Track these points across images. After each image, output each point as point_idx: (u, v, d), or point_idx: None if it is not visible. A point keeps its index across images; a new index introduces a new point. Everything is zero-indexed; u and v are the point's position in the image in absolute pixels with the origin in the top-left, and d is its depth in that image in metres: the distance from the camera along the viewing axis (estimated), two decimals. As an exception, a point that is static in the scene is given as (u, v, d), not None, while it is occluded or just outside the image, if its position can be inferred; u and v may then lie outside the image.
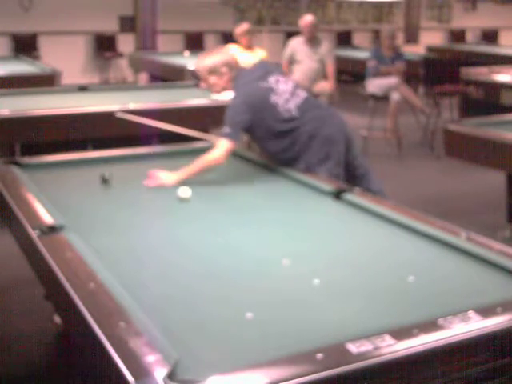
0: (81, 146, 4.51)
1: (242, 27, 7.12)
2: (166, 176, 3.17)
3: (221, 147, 3.26)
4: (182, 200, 2.91)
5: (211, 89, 3.59)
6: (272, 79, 3.43)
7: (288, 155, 3.39)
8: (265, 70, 3.51)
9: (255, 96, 3.37)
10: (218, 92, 3.59)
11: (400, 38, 11.87)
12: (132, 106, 4.90)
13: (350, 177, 3.47)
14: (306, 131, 3.38)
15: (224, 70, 3.41)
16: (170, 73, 8.46)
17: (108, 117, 4.80)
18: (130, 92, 6.11)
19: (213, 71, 3.43)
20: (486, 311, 1.74)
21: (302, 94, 3.46)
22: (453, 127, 4.57)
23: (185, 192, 2.93)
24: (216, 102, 5.37)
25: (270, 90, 3.38)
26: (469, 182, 6.14)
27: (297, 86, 3.50)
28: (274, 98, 3.37)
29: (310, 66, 7.11)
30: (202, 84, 3.54)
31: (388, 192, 3.70)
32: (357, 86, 9.03)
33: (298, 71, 7.15)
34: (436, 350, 1.59)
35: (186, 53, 10.15)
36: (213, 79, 3.45)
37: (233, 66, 3.44)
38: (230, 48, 3.44)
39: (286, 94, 3.41)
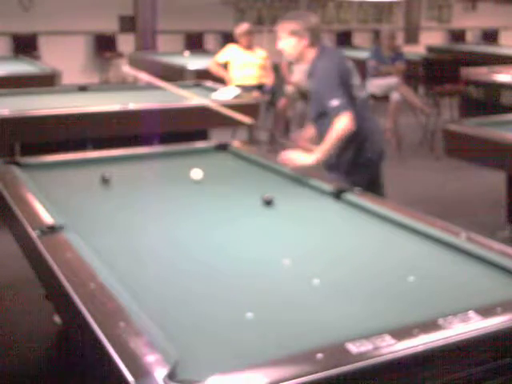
0: (81, 145, 4.51)
1: (242, 27, 7.12)
2: (304, 157, 3.22)
3: (342, 120, 3.24)
4: (195, 182, 3.12)
5: (286, 52, 3.47)
6: (350, 64, 3.46)
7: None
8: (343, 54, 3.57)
9: (344, 67, 3.39)
10: (291, 58, 3.53)
11: (400, 38, 11.87)
12: (132, 105, 4.90)
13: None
14: (366, 127, 3.41)
15: (306, 34, 3.35)
16: (170, 73, 8.46)
17: (108, 117, 4.81)
18: (130, 92, 6.11)
19: (295, 32, 3.37)
20: (486, 311, 1.74)
21: (366, 92, 3.48)
22: (453, 127, 4.56)
23: (197, 174, 3.12)
24: (216, 102, 5.38)
25: (352, 70, 3.41)
26: (469, 182, 6.14)
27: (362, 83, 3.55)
28: (353, 79, 3.40)
29: (309, 65, 7.10)
30: (279, 44, 3.46)
31: (388, 192, 3.70)
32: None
33: (297, 71, 7.14)
34: (436, 350, 1.59)
35: (186, 53, 10.15)
36: (292, 41, 3.38)
37: (316, 34, 3.39)
38: (313, 16, 3.41)
39: (358, 81, 3.45)
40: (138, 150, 3.75)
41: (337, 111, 3.25)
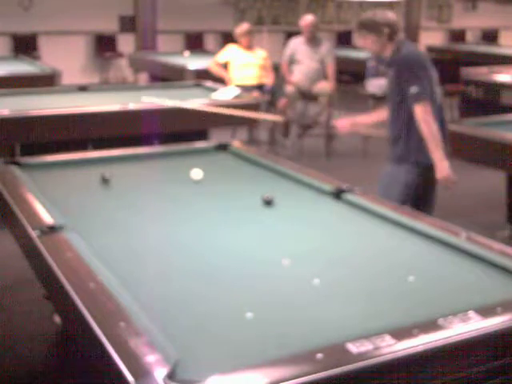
0: (81, 145, 4.51)
1: (242, 27, 7.12)
2: (440, 171, 3.37)
3: (423, 111, 3.32)
4: (195, 182, 3.13)
5: (368, 48, 3.58)
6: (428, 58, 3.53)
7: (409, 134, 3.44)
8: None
9: (425, 59, 3.48)
10: (374, 53, 3.60)
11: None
12: (132, 105, 4.90)
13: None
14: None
15: (385, 30, 3.43)
16: (170, 73, 8.47)
17: (108, 117, 4.81)
18: (130, 92, 6.11)
19: (373, 29, 3.45)
20: (486, 311, 1.75)
21: (439, 89, 3.53)
22: (453, 127, 4.56)
23: (197, 174, 3.14)
24: (216, 102, 5.38)
25: (430, 64, 3.47)
26: (469, 182, 6.13)
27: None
28: (432, 73, 3.46)
29: (309, 66, 7.11)
30: (360, 41, 3.60)
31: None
32: (357, 86, 9.02)
33: (297, 71, 7.15)
34: (436, 350, 1.59)
35: (186, 53, 10.15)
36: (371, 37, 3.47)
37: (395, 29, 3.46)
38: (391, 13, 3.51)
39: (435, 77, 3.50)
40: (138, 150, 3.75)
41: (416, 97, 3.33)
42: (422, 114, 3.33)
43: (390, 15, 3.54)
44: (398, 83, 3.45)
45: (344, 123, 3.84)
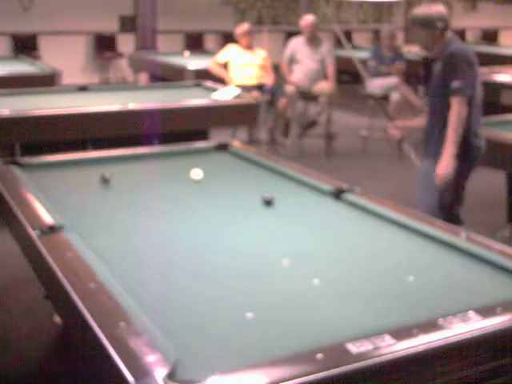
0: (81, 145, 4.51)
1: (243, 27, 7.12)
2: (442, 168, 3.41)
3: (460, 105, 3.35)
4: (195, 182, 3.13)
5: (420, 44, 3.58)
6: (474, 55, 3.53)
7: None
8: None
9: (472, 56, 3.47)
10: (426, 49, 3.60)
11: (400, 38, 11.86)
12: (132, 105, 4.90)
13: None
14: (474, 124, 3.49)
15: (439, 24, 3.43)
16: (170, 73, 8.47)
17: (108, 117, 4.81)
18: (130, 92, 6.11)
19: (427, 23, 3.45)
20: (486, 311, 1.75)
21: (481, 90, 3.55)
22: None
23: (197, 174, 3.15)
24: (216, 102, 5.38)
25: (476, 61, 3.47)
26: (469, 182, 6.12)
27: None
28: (477, 71, 3.47)
29: (310, 66, 7.11)
30: (412, 37, 3.65)
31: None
32: (357, 86, 9.03)
33: (298, 71, 7.15)
34: (436, 350, 1.59)
35: (186, 53, 10.15)
36: (424, 33, 3.47)
37: (448, 24, 3.47)
38: (442, 6, 3.51)
39: (479, 76, 3.51)
40: (138, 150, 3.75)
41: (455, 92, 3.36)
42: (457, 107, 3.36)
43: (443, 9, 3.53)
44: (443, 78, 3.46)
45: (397, 127, 3.89)
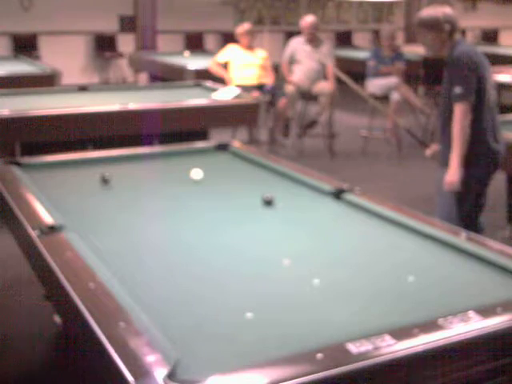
0: (81, 145, 4.51)
1: (243, 27, 7.12)
2: (449, 176, 3.38)
3: (461, 112, 3.32)
4: (195, 182, 3.14)
5: (427, 47, 3.54)
6: (483, 57, 3.48)
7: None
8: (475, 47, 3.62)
9: (476, 59, 3.41)
10: (433, 52, 3.55)
11: (400, 38, 11.87)
12: (132, 105, 4.90)
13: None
14: (489, 127, 3.44)
15: (446, 27, 3.40)
16: (170, 73, 8.46)
17: (108, 117, 4.81)
18: (130, 92, 6.11)
19: (434, 26, 3.41)
20: (486, 311, 1.75)
21: (495, 91, 3.51)
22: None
23: (197, 174, 3.15)
24: (216, 102, 5.38)
25: (485, 63, 3.44)
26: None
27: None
28: (486, 73, 3.42)
29: (310, 66, 7.10)
30: (419, 39, 3.57)
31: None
32: (357, 86, 9.00)
33: (298, 71, 7.14)
34: (436, 350, 1.59)
35: (186, 53, 10.15)
36: (431, 36, 3.43)
37: (455, 26, 3.43)
38: (449, 8, 3.50)
39: (491, 78, 3.47)
40: (137, 150, 3.75)
41: (458, 97, 3.33)
42: (459, 115, 3.32)
43: (450, 11, 3.48)
44: (449, 82, 3.43)
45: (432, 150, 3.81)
